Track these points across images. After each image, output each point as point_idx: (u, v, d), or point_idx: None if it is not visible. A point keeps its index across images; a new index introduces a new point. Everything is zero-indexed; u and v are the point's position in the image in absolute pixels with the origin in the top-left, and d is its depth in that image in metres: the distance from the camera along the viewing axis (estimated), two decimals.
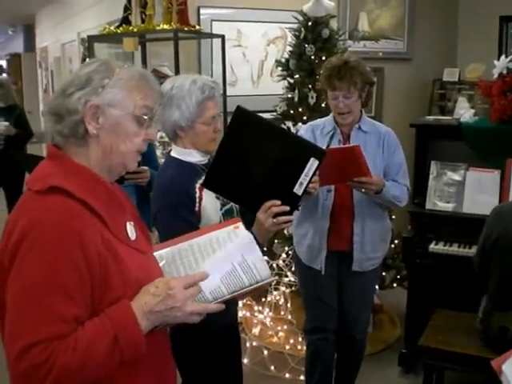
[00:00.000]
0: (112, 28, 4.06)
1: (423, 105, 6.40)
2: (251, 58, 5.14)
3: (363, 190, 2.72)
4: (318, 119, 3.01)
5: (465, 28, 6.31)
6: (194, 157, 2.25)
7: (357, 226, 2.84)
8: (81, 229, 1.35)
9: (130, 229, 1.53)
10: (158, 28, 3.80)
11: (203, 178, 2.20)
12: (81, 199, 1.38)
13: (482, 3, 6.06)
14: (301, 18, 4.04)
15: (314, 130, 2.87)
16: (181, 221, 2.07)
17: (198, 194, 2.18)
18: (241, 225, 1.86)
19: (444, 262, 3.45)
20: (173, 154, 2.28)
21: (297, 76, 3.97)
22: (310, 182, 2.03)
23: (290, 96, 4.09)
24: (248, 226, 1.90)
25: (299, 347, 3.91)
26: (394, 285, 4.33)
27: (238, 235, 1.83)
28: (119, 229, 1.48)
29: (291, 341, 3.99)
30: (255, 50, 5.14)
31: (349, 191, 2.79)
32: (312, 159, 2.01)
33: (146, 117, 1.51)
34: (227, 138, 2.09)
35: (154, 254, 1.63)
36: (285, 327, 4.09)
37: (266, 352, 3.86)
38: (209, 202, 2.21)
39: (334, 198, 2.80)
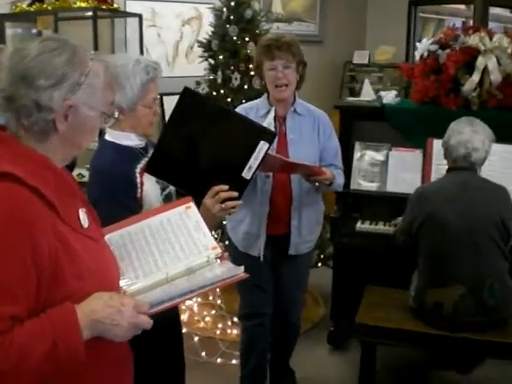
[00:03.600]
0: (24, 6, 3.80)
1: (335, 87, 6.51)
2: (166, 39, 5.03)
3: (317, 184, 2.74)
4: (251, 101, 2.96)
5: (374, 11, 6.46)
6: (132, 140, 2.14)
7: (294, 210, 2.83)
8: (31, 219, 1.26)
9: (83, 216, 1.44)
10: (74, 6, 3.59)
11: (143, 162, 2.11)
12: (32, 186, 1.28)
13: None
14: None
15: (247, 113, 2.81)
16: (123, 209, 1.95)
17: (139, 180, 2.08)
18: (193, 205, 1.83)
19: (371, 240, 3.51)
20: (108, 137, 2.14)
21: (221, 57, 3.89)
22: (259, 165, 1.99)
23: (212, 78, 4.02)
24: None
25: (229, 331, 3.89)
26: (319, 264, 4.38)
27: (189, 216, 1.79)
28: (72, 217, 1.39)
29: (220, 325, 3.96)
30: (170, 30, 5.03)
31: (286, 175, 2.77)
32: (262, 142, 1.96)
33: (111, 113, 1.47)
34: (173, 121, 2.01)
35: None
36: (213, 312, 4.05)
37: (196, 338, 3.81)
38: (150, 188, 2.12)
39: (272, 182, 2.77)
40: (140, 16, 4.23)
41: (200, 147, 1.99)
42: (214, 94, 3.95)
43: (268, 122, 2.56)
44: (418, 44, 3.63)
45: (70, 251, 1.33)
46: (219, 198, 1.98)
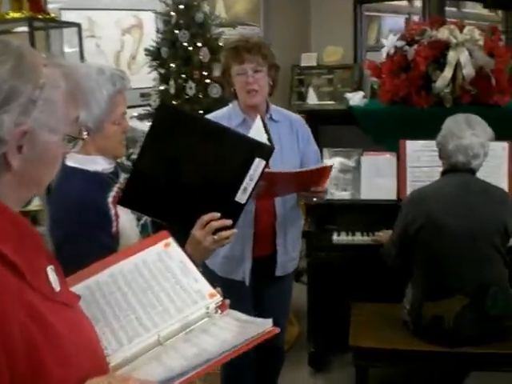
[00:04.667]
0: None
1: (284, 91, 6.29)
2: (106, 50, 4.68)
3: (315, 199, 2.48)
4: (218, 111, 2.68)
5: (317, 12, 6.28)
6: (100, 164, 1.81)
7: (279, 228, 2.57)
8: None
9: (53, 276, 1.07)
10: (7, 17, 3.22)
11: (115, 189, 1.80)
12: None
13: None
14: (170, 2, 3.67)
15: None
16: (101, 249, 1.59)
17: (113, 211, 1.76)
18: (172, 241, 1.52)
19: (349, 252, 3.29)
20: (70, 163, 1.77)
21: (172, 65, 3.59)
22: (255, 187, 1.70)
23: (163, 88, 3.71)
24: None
25: None
26: None
27: (171, 256, 1.48)
28: (40, 280, 1.03)
29: None
30: (109, 40, 4.69)
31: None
32: (257, 160, 1.68)
33: (78, 133, 1.12)
34: (149, 141, 1.71)
35: None
36: None
37: None
38: (127, 220, 1.81)
39: (256, 201, 2.50)
40: (79, 26, 3.89)
41: (184, 170, 1.70)
42: None
43: (254, 133, 2.29)
44: (383, 41, 3.43)
45: (46, 329, 0.99)
46: (210, 228, 1.69)
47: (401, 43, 3.32)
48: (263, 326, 1.23)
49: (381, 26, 7.14)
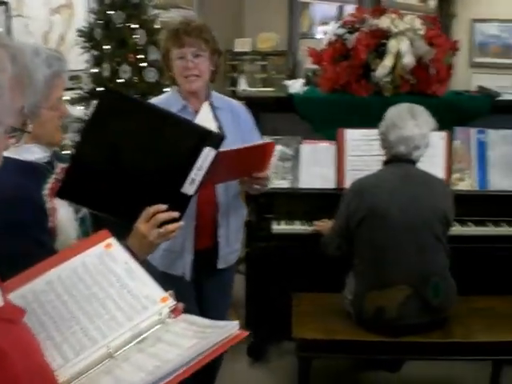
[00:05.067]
0: None
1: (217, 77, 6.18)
2: (34, 30, 4.43)
3: (258, 187, 2.39)
4: (157, 97, 2.57)
5: None
6: (35, 153, 1.67)
7: (222, 218, 2.48)
8: None
9: None
10: None
11: (51, 180, 1.67)
12: None
13: None
14: None
15: None
16: (39, 248, 1.49)
17: (49, 205, 1.63)
18: (113, 241, 1.41)
19: (289, 241, 3.24)
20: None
21: (106, 47, 3.42)
22: (204, 177, 1.61)
23: (96, 71, 3.54)
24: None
25: None
26: None
27: (114, 257, 1.37)
28: None
29: None
30: (38, 20, 4.44)
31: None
32: (207, 149, 1.59)
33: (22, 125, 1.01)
34: (90, 129, 1.59)
35: None
36: None
37: None
38: (65, 215, 1.67)
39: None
40: (6, 4, 3.65)
41: (128, 159, 1.59)
42: (101, 89, 3.48)
43: (201, 121, 2.18)
44: (325, 28, 3.39)
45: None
46: (156, 221, 1.59)
47: (342, 31, 3.28)
48: (229, 330, 1.14)
49: (313, 13, 7.13)
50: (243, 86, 6.44)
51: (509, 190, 3.28)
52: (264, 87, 6.29)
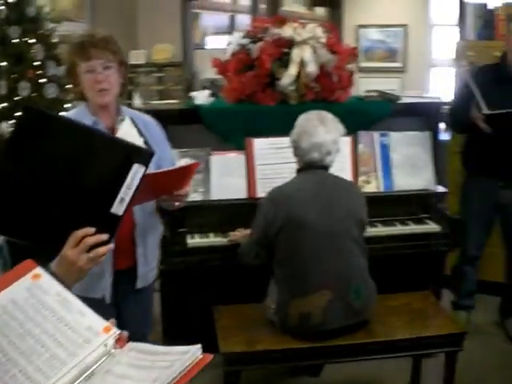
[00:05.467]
0: None
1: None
2: None
3: (177, 204, 2.36)
4: (64, 113, 2.46)
5: (145, 8, 6.11)
6: None
7: (138, 237, 2.43)
8: None
9: None
10: None
11: None
12: None
13: None
14: None
15: None
16: None
17: None
18: (41, 271, 1.31)
19: (204, 255, 3.20)
20: None
21: (3, 64, 3.23)
22: (134, 195, 1.54)
23: None
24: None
25: None
26: None
27: (44, 289, 1.27)
28: None
29: None
30: None
31: None
32: (136, 166, 1.51)
33: None
34: (9, 149, 1.48)
35: None
36: None
37: None
38: None
39: None
40: None
41: (52, 180, 1.49)
42: None
43: (123, 137, 2.09)
44: (228, 38, 3.38)
45: None
46: (85, 245, 1.49)
47: (245, 41, 3.29)
48: (193, 354, 1.09)
49: (205, 23, 7.14)
50: (137, 100, 6.32)
51: (413, 190, 3.42)
52: (161, 99, 6.22)
